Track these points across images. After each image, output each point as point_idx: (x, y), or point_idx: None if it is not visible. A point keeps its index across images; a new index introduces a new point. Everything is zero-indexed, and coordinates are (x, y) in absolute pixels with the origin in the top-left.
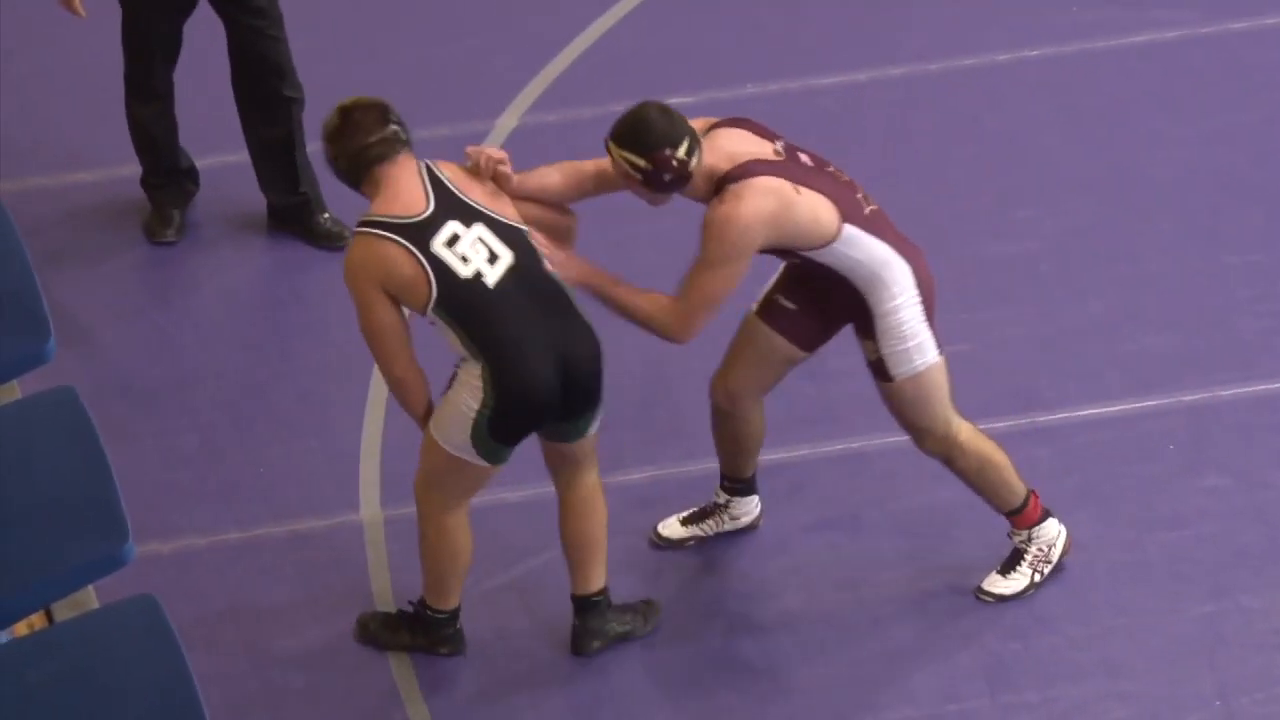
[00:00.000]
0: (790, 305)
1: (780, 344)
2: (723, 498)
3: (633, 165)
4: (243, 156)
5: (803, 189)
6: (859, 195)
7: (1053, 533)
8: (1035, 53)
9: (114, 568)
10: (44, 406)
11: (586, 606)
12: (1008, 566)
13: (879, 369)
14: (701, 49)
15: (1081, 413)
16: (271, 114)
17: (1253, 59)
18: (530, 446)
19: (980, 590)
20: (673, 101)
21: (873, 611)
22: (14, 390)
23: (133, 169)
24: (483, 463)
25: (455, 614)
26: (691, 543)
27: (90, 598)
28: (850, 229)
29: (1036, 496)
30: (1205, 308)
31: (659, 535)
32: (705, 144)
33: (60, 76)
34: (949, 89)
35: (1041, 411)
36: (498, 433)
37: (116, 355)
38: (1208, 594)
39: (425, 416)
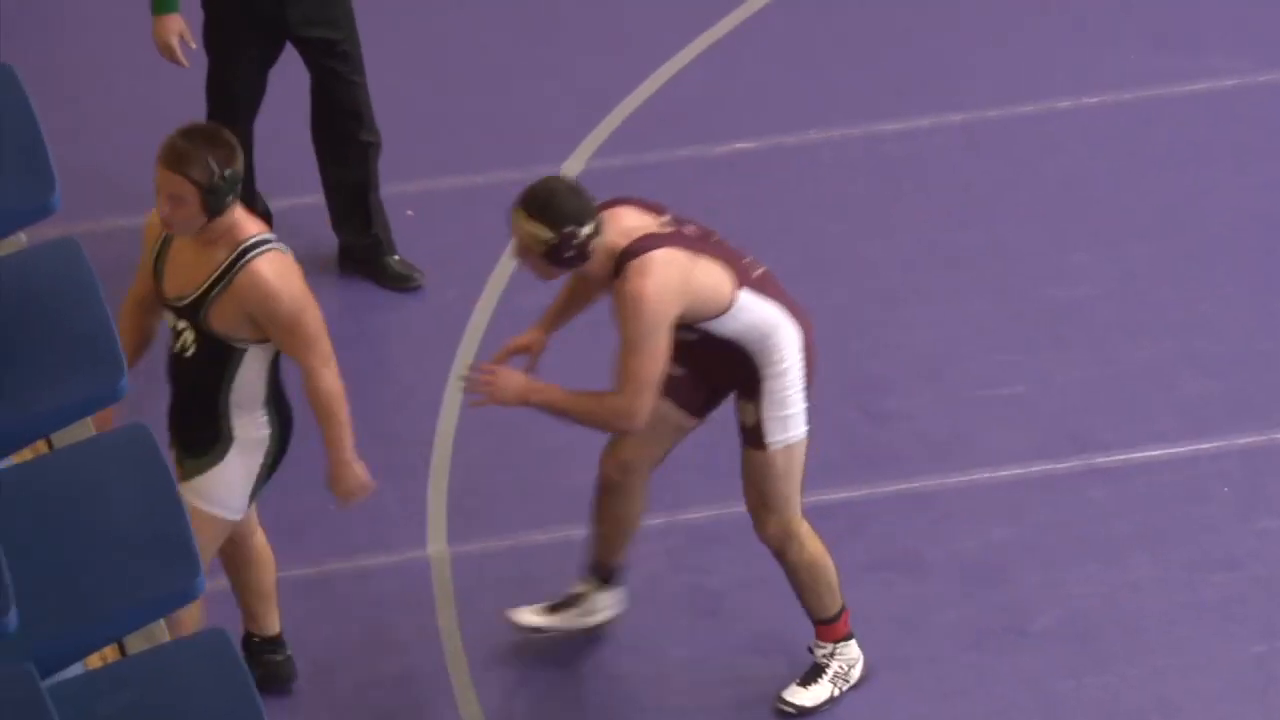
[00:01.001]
0: (677, 371)
1: (670, 411)
2: (585, 587)
3: (538, 238)
4: (314, 199)
5: (698, 257)
6: (747, 260)
7: (854, 654)
8: (1095, 100)
9: (185, 601)
10: (117, 443)
11: (272, 645)
12: (809, 679)
13: (754, 435)
14: (766, 95)
15: (1137, 455)
16: (348, 157)
17: None
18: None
19: (780, 699)
20: (736, 147)
21: (930, 650)
22: (88, 427)
23: None
24: (246, 511)
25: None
26: (550, 632)
27: (162, 630)
28: (745, 293)
29: (848, 613)
30: (1259, 351)
31: (514, 622)
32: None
33: (139, 118)
34: (1009, 135)
35: (1097, 453)
36: (271, 472)
37: None
38: (1260, 635)
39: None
